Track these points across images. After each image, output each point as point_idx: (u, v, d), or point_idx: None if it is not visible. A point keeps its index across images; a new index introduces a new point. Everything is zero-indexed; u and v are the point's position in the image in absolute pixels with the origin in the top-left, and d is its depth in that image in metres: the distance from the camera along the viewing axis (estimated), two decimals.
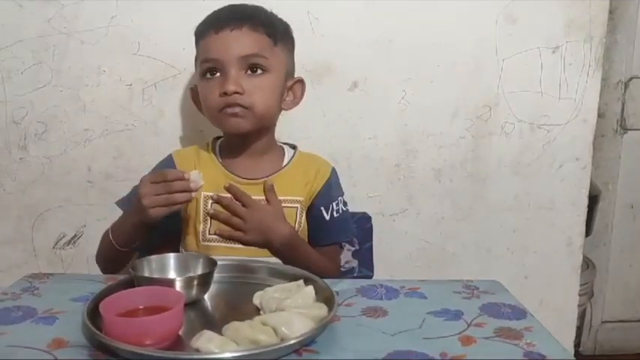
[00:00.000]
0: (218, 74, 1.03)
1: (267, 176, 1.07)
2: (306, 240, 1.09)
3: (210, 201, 1.04)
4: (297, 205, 1.07)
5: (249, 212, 1.00)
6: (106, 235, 1.06)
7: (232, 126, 1.04)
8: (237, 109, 1.02)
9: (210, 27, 1.04)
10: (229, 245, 1.03)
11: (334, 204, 1.10)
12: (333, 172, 1.13)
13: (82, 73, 1.27)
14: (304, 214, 1.09)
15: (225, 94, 1.01)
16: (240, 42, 1.02)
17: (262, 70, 1.03)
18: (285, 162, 1.11)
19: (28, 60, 1.26)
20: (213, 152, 1.11)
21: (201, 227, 1.05)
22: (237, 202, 1.00)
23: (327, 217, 1.09)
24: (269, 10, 1.08)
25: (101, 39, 1.26)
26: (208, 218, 1.05)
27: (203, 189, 0.98)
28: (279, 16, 1.10)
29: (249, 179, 1.07)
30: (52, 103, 1.28)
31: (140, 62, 1.27)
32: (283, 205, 1.06)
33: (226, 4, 1.10)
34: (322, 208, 1.09)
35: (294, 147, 1.16)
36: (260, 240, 1.00)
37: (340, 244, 1.17)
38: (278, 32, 1.07)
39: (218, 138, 1.15)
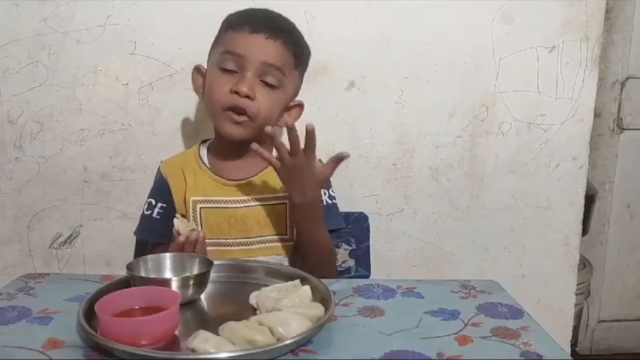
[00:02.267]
0: (234, 73, 1.02)
1: (253, 175, 1.07)
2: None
3: (198, 205, 1.05)
4: (287, 200, 1.06)
5: (292, 160, 0.97)
6: None
7: (231, 132, 1.04)
8: (241, 119, 1.02)
9: (247, 24, 1.03)
10: (220, 248, 1.03)
11: (322, 192, 1.08)
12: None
13: (77, 72, 1.26)
14: None
15: (237, 93, 1.00)
16: (270, 51, 1.02)
17: (276, 85, 1.04)
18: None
19: (23, 59, 1.25)
20: (200, 156, 1.11)
21: None
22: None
23: (324, 203, 1.08)
24: (300, 32, 1.10)
25: (97, 38, 1.25)
26: (199, 223, 1.05)
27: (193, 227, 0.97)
28: (290, 28, 1.09)
29: (236, 180, 1.07)
30: (48, 102, 1.27)
31: (136, 62, 1.27)
32: (273, 202, 1.06)
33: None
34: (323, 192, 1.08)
35: None
36: (290, 185, 0.99)
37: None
38: (303, 56, 1.10)
39: (205, 141, 1.15)
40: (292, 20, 1.11)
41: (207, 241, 1.01)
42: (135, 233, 1.16)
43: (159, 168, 1.14)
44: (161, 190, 1.11)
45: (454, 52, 1.32)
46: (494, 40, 1.33)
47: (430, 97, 1.33)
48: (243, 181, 1.07)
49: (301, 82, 1.13)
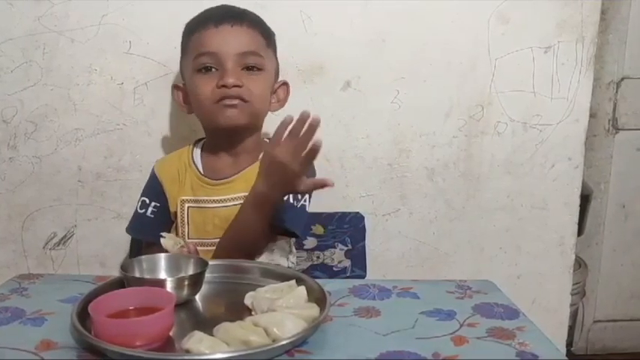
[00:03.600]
0: (214, 70, 1.02)
1: (236, 173, 1.06)
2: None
3: (186, 205, 1.06)
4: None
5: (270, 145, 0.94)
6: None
7: (228, 117, 1.02)
8: (235, 101, 1.01)
9: (209, 20, 1.04)
10: (209, 249, 1.03)
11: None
12: None
13: (72, 71, 1.26)
14: None
15: (225, 86, 1.00)
16: (240, 38, 1.03)
17: (258, 68, 1.04)
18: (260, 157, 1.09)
19: (17, 58, 1.25)
20: (192, 155, 1.11)
21: (180, 231, 1.06)
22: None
23: (292, 201, 1.03)
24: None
25: (92, 37, 1.25)
26: (186, 222, 1.05)
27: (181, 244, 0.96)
28: (272, 16, 1.11)
29: (222, 179, 1.07)
30: (42, 102, 1.27)
31: (131, 61, 1.26)
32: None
33: (216, 3, 1.09)
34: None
35: None
36: (268, 172, 0.94)
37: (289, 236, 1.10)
38: (270, 34, 1.10)
39: (199, 140, 1.15)
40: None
41: (193, 240, 1.02)
42: (127, 230, 1.14)
43: (152, 168, 1.14)
44: (155, 188, 1.11)
45: (450, 53, 1.32)
46: (490, 41, 1.33)
47: (426, 97, 1.33)
48: (226, 180, 1.07)
49: (277, 62, 1.12)
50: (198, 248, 1.01)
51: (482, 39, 1.32)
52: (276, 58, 1.12)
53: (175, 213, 1.08)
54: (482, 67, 1.34)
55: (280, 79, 1.13)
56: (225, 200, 1.06)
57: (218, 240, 1.03)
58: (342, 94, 1.32)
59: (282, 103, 1.12)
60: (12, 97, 1.26)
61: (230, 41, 1.02)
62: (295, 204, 1.04)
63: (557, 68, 1.35)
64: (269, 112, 1.11)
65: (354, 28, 1.29)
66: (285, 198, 1.00)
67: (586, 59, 1.35)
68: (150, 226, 1.08)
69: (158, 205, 1.09)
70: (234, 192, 1.05)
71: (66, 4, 1.23)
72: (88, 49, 1.25)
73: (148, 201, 1.10)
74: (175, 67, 1.25)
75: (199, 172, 1.08)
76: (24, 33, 1.24)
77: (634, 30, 1.84)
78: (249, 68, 1.03)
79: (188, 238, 1.05)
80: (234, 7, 1.09)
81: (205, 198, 1.06)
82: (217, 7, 1.08)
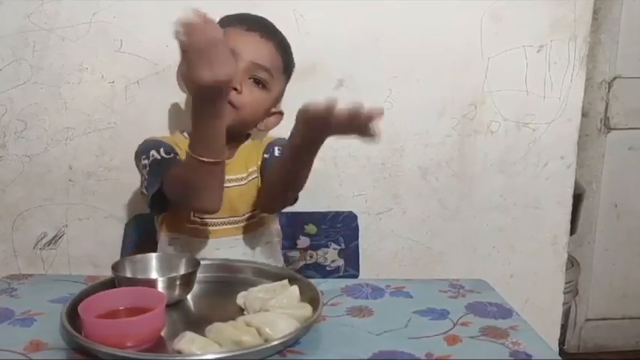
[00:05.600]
0: None
1: (231, 156, 1.06)
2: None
3: None
4: (257, 173, 1.08)
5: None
6: (192, 165, 0.87)
7: None
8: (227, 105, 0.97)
9: (243, 23, 1.05)
10: (213, 228, 1.03)
11: (282, 147, 1.05)
12: (270, 143, 1.10)
13: (62, 70, 1.25)
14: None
15: None
16: (262, 50, 1.04)
17: (263, 85, 1.05)
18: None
19: (7, 56, 1.23)
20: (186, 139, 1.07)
21: (182, 212, 1.03)
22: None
23: (279, 153, 1.05)
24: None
25: (83, 35, 1.24)
26: None
27: None
28: (265, 15, 1.10)
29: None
30: (32, 100, 1.25)
31: (123, 59, 1.25)
32: (250, 178, 1.06)
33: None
34: (276, 148, 1.07)
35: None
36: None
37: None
38: (291, 63, 1.12)
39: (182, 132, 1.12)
40: (280, 19, 1.11)
41: (199, 219, 1.02)
42: (145, 191, 0.98)
43: (151, 138, 1.06)
44: (163, 141, 1.04)
45: (443, 52, 1.32)
46: (483, 40, 1.33)
47: (419, 96, 1.33)
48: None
49: (284, 90, 1.13)
50: (205, 228, 1.02)
51: (476, 38, 1.32)
52: (285, 87, 1.13)
53: None
54: (475, 66, 1.34)
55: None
56: (228, 181, 1.02)
57: (223, 219, 1.03)
58: (335, 93, 1.31)
59: (268, 129, 1.13)
60: (2, 96, 1.25)
61: (251, 48, 1.03)
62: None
63: (550, 67, 1.35)
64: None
65: (347, 27, 1.29)
66: (276, 153, 1.05)
67: (578, 58, 1.36)
68: (171, 161, 0.99)
69: (168, 149, 1.02)
70: (233, 173, 1.05)
71: (56, 1, 1.22)
72: (78, 47, 1.24)
73: (155, 152, 1.00)
74: (167, 64, 1.25)
75: None
76: (14, 31, 1.22)
77: (626, 30, 1.85)
78: (256, 81, 1.04)
79: (193, 216, 1.02)
80: (271, 23, 1.09)
81: None
82: (256, 16, 1.09)
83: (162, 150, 1.01)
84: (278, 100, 1.13)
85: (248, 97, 1.02)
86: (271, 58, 1.05)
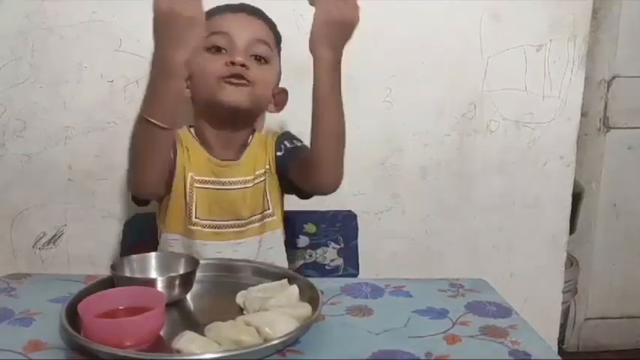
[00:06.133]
0: (223, 51, 1.01)
1: (238, 156, 1.06)
2: (281, 221, 1.09)
3: (195, 184, 1.03)
4: (264, 176, 1.07)
5: None
6: (138, 124, 0.87)
7: (232, 94, 0.99)
8: (242, 82, 0.99)
9: (226, 9, 1.05)
10: (215, 230, 1.03)
11: (293, 139, 1.10)
12: (280, 138, 1.11)
13: (62, 69, 1.25)
14: (274, 177, 1.08)
15: (233, 63, 0.98)
16: (255, 26, 1.04)
17: (265, 60, 1.04)
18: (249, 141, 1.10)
19: (6, 56, 1.23)
20: (192, 135, 1.08)
21: (187, 210, 1.02)
22: None
23: (292, 145, 1.08)
24: None
25: (82, 35, 1.23)
26: (194, 201, 1.02)
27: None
28: (265, 12, 1.10)
29: (226, 161, 1.05)
30: (32, 99, 1.25)
31: (122, 59, 1.25)
32: (256, 181, 1.06)
33: (209, 2, 1.08)
34: (286, 142, 1.08)
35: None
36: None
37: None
38: (279, 37, 1.11)
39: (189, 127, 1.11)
40: (280, 19, 1.11)
41: (199, 220, 1.01)
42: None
43: None
44: None
45: (442, 51, 1.32)
46: (482, 39, 1.33)
47: (418, 95, 1.33)
48: (231, 162, 1.06)
49: (280, 68, 1.12)
50: (207, 230, 1.02)
51: (475, 37, 1.32)
52: (280, 64, 1.12)
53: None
54: (474, 66, 1.34)
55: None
56: (232, 183, 1.05)
57: (226, 222, 1.03)
58: None
59: (279, 108, 1.11)
60: (1, 95, 1.25)
61: (244, 25, 1.03)
62: (298, 144, 1.08)
63: (549, 67, 1.35)
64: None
65: None
66: (289, 145, 1.06)
67: (578, 58, 1.36)
68: None
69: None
70: (240, 175, 1.05)
71: (56, 1, 1.22)
72: (77, 46, 1.24)
73: None
74: None
75: (206, 151, 1.05)
76: (13, 30, 1.22)
77: (625, 29, 1.85)
78: (257, 58, 1.03)
79: (195, 217, 1.03)
80: (253, 5, 1.09)
81: (213, 179, 1.04)
82: (236, 3, 1.08)
83: None
84: (279, 75, 1.12)
85: (257, 72, 1.01)
86: (265, 31, 1.05)
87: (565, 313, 1.98)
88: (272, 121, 1.29)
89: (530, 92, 1.36)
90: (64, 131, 1.27)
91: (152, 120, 0.84)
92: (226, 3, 1.08)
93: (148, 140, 0.87)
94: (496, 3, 1.31)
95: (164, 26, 0.81)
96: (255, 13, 1.07)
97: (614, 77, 1.89)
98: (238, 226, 1.05)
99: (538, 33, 1.34)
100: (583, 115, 1.43)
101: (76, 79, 1.25)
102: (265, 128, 1.17)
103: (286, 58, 1.26)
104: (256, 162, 1.08)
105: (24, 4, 1.21)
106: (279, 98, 1.11)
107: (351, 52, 1.30)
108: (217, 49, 1.01)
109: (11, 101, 1.25)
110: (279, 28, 1.11)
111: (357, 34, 1.30)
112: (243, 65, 0.99)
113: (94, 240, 1.32)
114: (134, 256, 0.88)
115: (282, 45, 1.22)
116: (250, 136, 1.10)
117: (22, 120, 1.26)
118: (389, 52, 1.31)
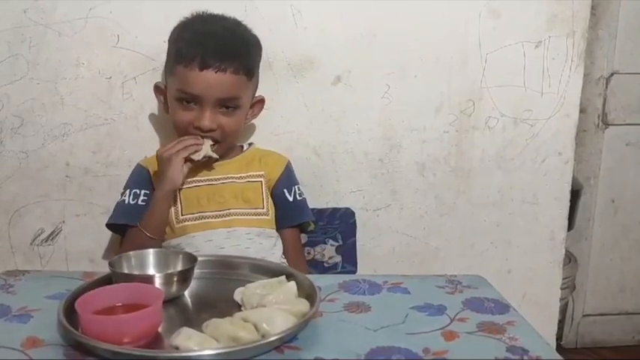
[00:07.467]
0: (193, 104, 1.08)
1: (228, 159, 1.16)
2: (274, 222, 1.15)
3: (184, 185, 1.10)
4: (261, 179, 1.15)
5: None
6: (134, 233, 1.09)
7: (200, 154, 1.08)
8: (210, 133, 1.09)
9: (195, 60, 1.06)
10: (201, 221, 1.09)
11: (295, 188, 1.19)
12: (289, 162, 1.22)
13: (59, 65, 1.24)
14: (269, 195, 1.16)
15: (200, 129, 1.08)
16: (222, 85, 1.07)
17: (235, 107, 1.10)
18: (244, 148, 1.22)
19: (3, 52, 1.23)
20: None
21: (172, 211, 1.10)
22: None
23: (291, 199, 1.17)
24: (247, 36, 1.14)
25: (79, 31, 1.23)
26: (179, 202, 1.11)
27: None
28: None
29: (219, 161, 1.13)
30: (29, 96, 1.25)
31: (120, 55, 1.25)
32: (248, 179, 1.14)
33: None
34: (285, 190, 1.16)
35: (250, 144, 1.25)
36: None
37: (301, 228, 1.21)
38: (255, 65, 1.14)
39: None
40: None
41: (188, 216, 1.10)
42: (112, 220, 1.15)
43: (138, 165, 1.20)
44: (144, 178, 1.16)
45: (441, 47, 1.32)
46: (480, 35, 1.32)
47: (417, 92, 1.33)
48: (223, 162, 1.14)
49: (258, 80, 1.17)
50: (195, 222, 1.10)
51: (473, 34, 1.32)
52: (257, 79, 1.17)
53: None
54: (473, 62, 1.33)
55: (266, 72, 1.19)
56: (221, 179, 1.13)
57: (211, 212, 1.10)
58: (333, 89, 1.31)
59: (255, 116, 1.20)
60: None
61: (212, 87, 1.07)
62: (303, 197, 1.19)
63: (548, 63, 1.35)
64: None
65: (345, 23, 1.28)
66: (298, 197, 1.18)
67: (576, 54, 1.35)
68: (140, 214, 1.11)
69: (148, 192, 1.14)
70: (228, 172, 1.13)
71: None
72: (75, 42, 1.23)
73: (138, 191, 1.15)
74: (164, 60, 1.24)
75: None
76: (10, 26, 1.22)
77: (624, 25, 1.85)
78: (227, 107, 1.09)
79: (182, 215, 1.11)
80: (223, 45, 1.09)
81: (199, 179, 1.13)
82: (208, 39, 1.09)
83: (131, 196, 1.14)
84: (254, 94, 1.17)
85: (225, 125, 1.09)
86: (233, 86, 1.08)
87: (563, 310, 1.98)
88: (276, 122, 1.29)
89: (529, 89, 1.36)
90: (62, 128, 1.27)
91: (151, 235, 1.06)
92: (199, 36, 1.10)
93: (146, 244, 1.03)
94: None
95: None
96: (226, 64, 1.06)
97: (612, 74, 1.89)
98: (225, 215, 1.10)
99: (537, 29, 1.33)
100: (581, 111, 1.43)
101: (73, 75, 1.25)
102: (265, 149, 1.24)
103: (283, 53, 1.27)
104: (250, 164, 1.16)
105: (21, 1, 1.21)
106: (256, 108, 1.19)
107: (349, 49, 1.31)
108: (188, 101, 1.09)
109: (8, 98, 1.25)
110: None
111: (355, 30, 1.30)
112: (211, 130, 1.08)
113: (92, 237, 1.32)
114: (132, 253, 0.88)
115: (279, 43, 1.23)
116: (245, 145, 1.21)
117: (19, 117, 1.26)
118: (387, 48, 1.30)
